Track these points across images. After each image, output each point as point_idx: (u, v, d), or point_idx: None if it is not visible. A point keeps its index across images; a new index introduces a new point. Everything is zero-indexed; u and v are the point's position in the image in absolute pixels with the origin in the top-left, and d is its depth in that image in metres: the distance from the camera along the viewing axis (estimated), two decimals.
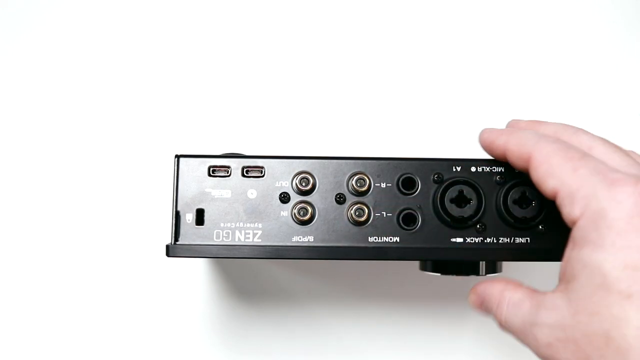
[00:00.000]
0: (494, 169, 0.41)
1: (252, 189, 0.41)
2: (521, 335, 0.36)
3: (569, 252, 0.35)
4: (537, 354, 0.35)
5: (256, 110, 0.57)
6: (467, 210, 0.41)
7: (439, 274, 0.45)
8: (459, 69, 0.59)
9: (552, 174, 0.35)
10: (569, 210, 0.34)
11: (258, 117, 0.57)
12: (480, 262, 0.44)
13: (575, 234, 0.34)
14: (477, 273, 0.44)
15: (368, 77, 0.58)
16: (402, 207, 0.41)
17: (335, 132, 0.57)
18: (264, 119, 0.57)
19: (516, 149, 0.38)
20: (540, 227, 0.41)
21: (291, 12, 0.59)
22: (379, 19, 0.59)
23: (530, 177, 0.37)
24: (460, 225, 0.41)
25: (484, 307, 0.39)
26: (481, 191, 0.41)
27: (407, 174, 0.41)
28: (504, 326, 0.38)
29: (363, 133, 0.57)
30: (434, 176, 0.41)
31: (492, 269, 0.45)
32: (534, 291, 0.37)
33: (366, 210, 0.41)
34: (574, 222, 0.34)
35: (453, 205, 0.41)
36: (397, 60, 0.58)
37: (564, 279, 0.35)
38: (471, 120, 0.57)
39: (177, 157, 0.41)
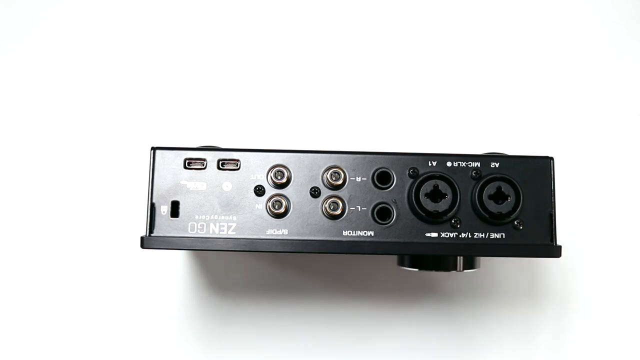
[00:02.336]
0: (470, 164, 0.41)
1: (227, 181, 0.41)
2: None
3: None
4: None
5: (233, 103, 0.57)
6: (442, 205, 0.41)
7: (416, 269, 0.44)
8: (452, 68, 0.58)
9: None
10: None
11: (234, 110, 0.57)
12: (458, 258, 0.44)
13: None
14: (454, 269, 0.44)
15: (345, 72, 0.58)
16: (377, 202, 0.41)
17: (311, 126, 0.57)
18: (241, 112, 0.57)
19: None
20: (516, 222, 0.41)
21: (266, 2, 0.59)
22: (350, 11, 0.59)
23: None
24: (435, 220, 0.41)
25: None
26: (456, 186, 0.41)
27: (383, 168, 0.41)
28: None
29: (339, 127, 0.56)
30: (409, 171, 0.41)
31: (470, 264, 0.45)
32: None
33: (341, 204, 0.41)
34: None
35: (428, 200, 0.41)
36: (374, 55, 0.58)
37: None
38: (454, 115, 0.57)
39: (153, 149, 0.41)
